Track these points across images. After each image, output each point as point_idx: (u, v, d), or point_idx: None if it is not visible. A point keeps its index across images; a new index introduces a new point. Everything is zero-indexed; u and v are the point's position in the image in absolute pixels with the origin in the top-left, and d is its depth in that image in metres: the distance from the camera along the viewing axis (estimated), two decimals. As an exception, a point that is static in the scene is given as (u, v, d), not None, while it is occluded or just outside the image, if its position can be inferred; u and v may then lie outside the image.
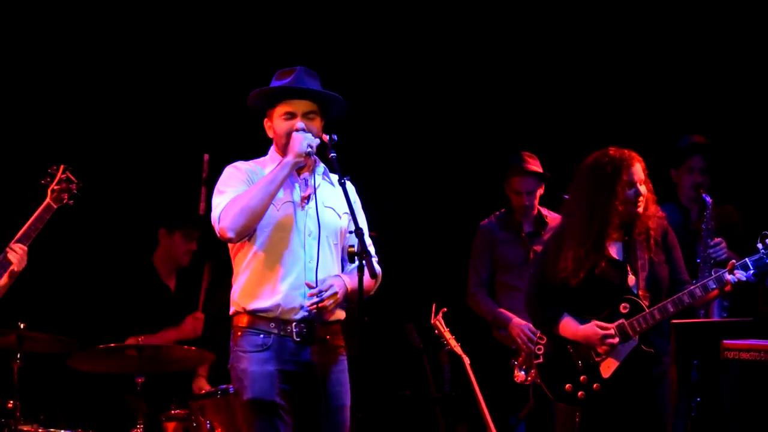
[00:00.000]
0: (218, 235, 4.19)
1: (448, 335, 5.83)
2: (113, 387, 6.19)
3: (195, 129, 6.98)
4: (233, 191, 4.23)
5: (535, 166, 6.23)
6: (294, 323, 4.22)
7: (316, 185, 4.37)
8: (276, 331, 4.21)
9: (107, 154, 6.85)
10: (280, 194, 4.27)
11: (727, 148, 6.25)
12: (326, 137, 4.32)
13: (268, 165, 4.36)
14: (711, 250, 5.80)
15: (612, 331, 4.80)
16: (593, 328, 4.83)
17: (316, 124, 4.34)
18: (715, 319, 5.73)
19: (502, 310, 6.12)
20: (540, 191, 6.26)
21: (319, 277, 4.22)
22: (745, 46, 6.83)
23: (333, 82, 4.57)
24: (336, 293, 4.21)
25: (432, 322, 5.84)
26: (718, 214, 5.91)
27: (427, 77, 7.44)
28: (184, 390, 6.18)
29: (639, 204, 4.85)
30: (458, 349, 5.82)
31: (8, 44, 6.68)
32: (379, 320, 6.84)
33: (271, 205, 4.24)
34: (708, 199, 5.87)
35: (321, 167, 4.47)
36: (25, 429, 5.51)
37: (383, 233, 6.19)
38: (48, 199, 5.39)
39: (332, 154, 4.29)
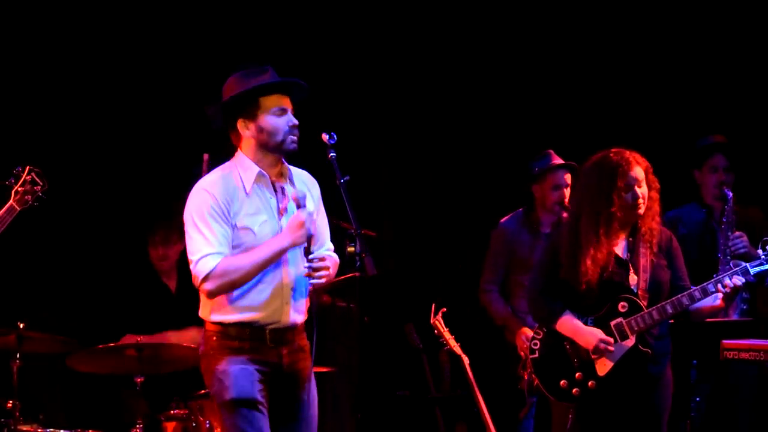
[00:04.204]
0: (195, 283, 4.22)
1: (447, 335, 5.82)
2: (113, 387, 6.19)
3: (195, 129, 6.97)
4: (215, 231, 4.19)
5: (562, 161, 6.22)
6: (267, 330, 4.29)
7: (287, 193, 4.35)
8: (250, 336, 4.28)
9: (108, 154, 6.86)
10: (263, 215, 4.28)
11: (747, 147, 6.25)
12: (325, 137, 4.31)
13: (242, 172, 4.31)
14: (731, 243, 5.81)
15: (611, 347, 4.81)
16: (596, 334, 4.83)
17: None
18: (733, 318, 5.74)
19: (515, 317, 6.09)
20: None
21: (293, 292, 4.30)
22: (760, 46, 6.82)
23: (332, 80, 4.57)
24: (328, 269, 4.28)
25: (432, 322, 5.83)
26: (742, 214, 5.92)
27: (426, 76, 7.44)
28: (184, 390, 6.17)
29: (639, 206, 4.85)
30: (458, 349, 5.81)
31: (11, 45, 6.69)
32: (379, 320, 6.85)
33: (250, 230, 4.26)
34: (729, 193, 5.88)
35: (288, 170, 4.41)
36: (25, 429, 5.52)
37: (383, 233, 6.22)
38: (11, 201, 5.28)
39: (332, 154, 4.28)
